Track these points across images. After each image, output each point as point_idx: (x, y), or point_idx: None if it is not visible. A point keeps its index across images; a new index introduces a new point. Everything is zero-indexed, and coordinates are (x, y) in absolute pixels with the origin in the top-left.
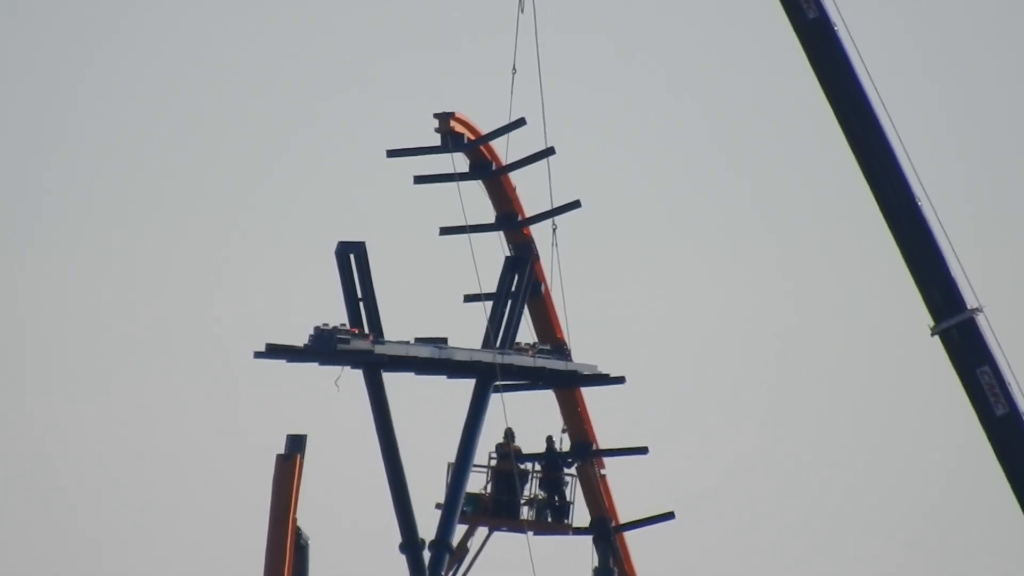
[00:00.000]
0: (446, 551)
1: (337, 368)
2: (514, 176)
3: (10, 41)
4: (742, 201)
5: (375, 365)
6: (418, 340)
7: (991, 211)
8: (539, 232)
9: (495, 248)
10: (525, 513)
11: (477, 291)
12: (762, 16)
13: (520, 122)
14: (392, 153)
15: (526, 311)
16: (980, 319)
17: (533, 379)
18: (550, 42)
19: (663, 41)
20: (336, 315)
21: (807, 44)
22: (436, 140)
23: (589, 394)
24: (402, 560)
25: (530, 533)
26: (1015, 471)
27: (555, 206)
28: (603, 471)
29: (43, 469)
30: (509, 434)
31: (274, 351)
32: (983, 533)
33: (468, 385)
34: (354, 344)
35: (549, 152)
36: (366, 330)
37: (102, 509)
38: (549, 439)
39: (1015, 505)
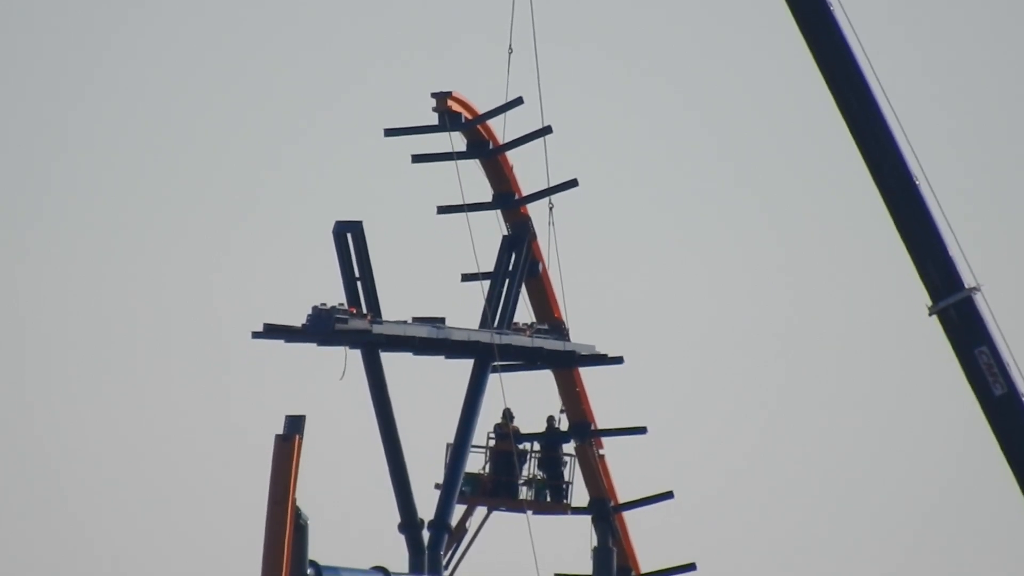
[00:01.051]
0: (445, 531)
1: (337, 350)
2: (511, 155)
3: (7, 29)
4: (740, 181)
5: (373, 345)
6: (416, 320)
7: (989, 190)
8: (536, 211)
9: (492, 227)
10: (524, 493)
11: (474, 270)
12: None
13: (517, 101)
14: (390, 132)
15: (524, 291)
16: (978, 298)
17: (531, 359)
18: (546, 21)
19: (661, 20)
20: (334, 295)
21: (803, 23)
22: (434, 119)
23: (587, 374)
24: (401, 540)
25: (529, 513)
26: (1014, 451)
27: (552, 185)
28: (601, 451)
29: (41, 448)
30: (507, 414)
31: (272, 331)
32: (982, 514)
33: (466, 365)
34: (352, 324)
35: (546, 131)
36: (364, 310)
37: (99, 489)
38: (550, 419)
39: (1014, 485)
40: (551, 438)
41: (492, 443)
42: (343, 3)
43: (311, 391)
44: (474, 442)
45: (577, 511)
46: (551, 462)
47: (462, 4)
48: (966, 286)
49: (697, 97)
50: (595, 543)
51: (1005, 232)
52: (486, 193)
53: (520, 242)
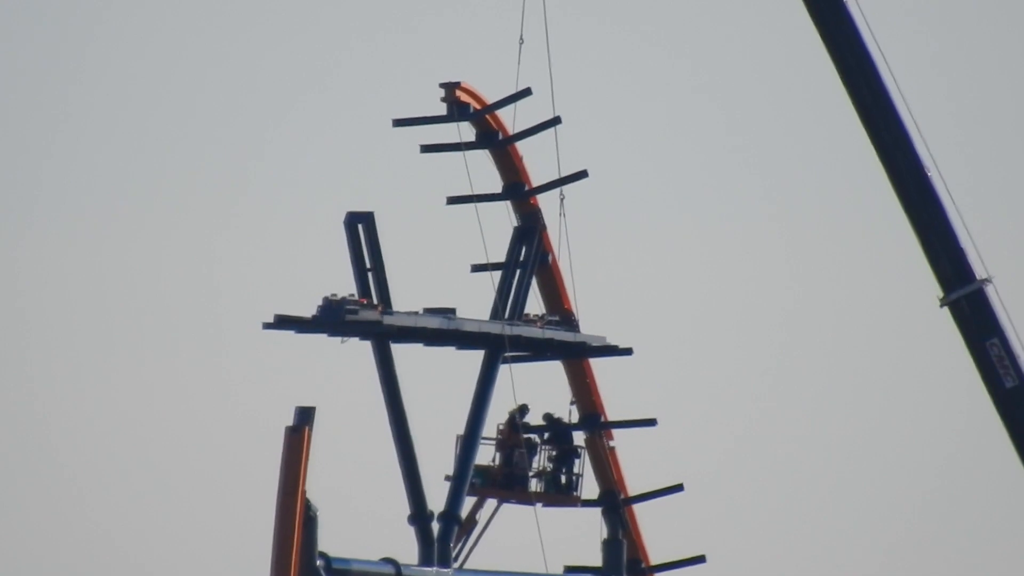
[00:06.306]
0: (455, 523)
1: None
2: (521, 146)
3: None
4: (751, 172)
5: (384, 336)
6: (427, 311)
7: (1002, 181)
8: (546, 202)
9: (502, 218)
10: (534, 485)
11: (485, 261)
12: None
13: (526, 92)
14: (399, 122)
15: (534, 282)
16: (989, 290)
17: (541, 350)
18: (557, 12)
19: (672, 11)
20: (345, 286)
21: (815, 12)
22: (442, 109)
23: (597, 365)
24: (411, 532)
25: (539, 505)
26: None
27: (562, 176)
28: (612, 443)
29: (51, 440)
30: (523, 410)
31: (283, 322)
32: (992, 506)
33: (477, 356)
34: (363, 315)
35: (555, 122)
36: (375, 301)
37: (110, 480)
38: (548, 416)
39: None
40: (561, 430)
41: (503, 435)
42: None
43: (321, 382)
44: (484, 434)
45: (587, 503)
46: (561, 455)
47: None
48: (977, 278)
49: (708, 88)
50: (605, 535)
51: (1017, 224)
52: (496, 184)
53: (531, 233)
